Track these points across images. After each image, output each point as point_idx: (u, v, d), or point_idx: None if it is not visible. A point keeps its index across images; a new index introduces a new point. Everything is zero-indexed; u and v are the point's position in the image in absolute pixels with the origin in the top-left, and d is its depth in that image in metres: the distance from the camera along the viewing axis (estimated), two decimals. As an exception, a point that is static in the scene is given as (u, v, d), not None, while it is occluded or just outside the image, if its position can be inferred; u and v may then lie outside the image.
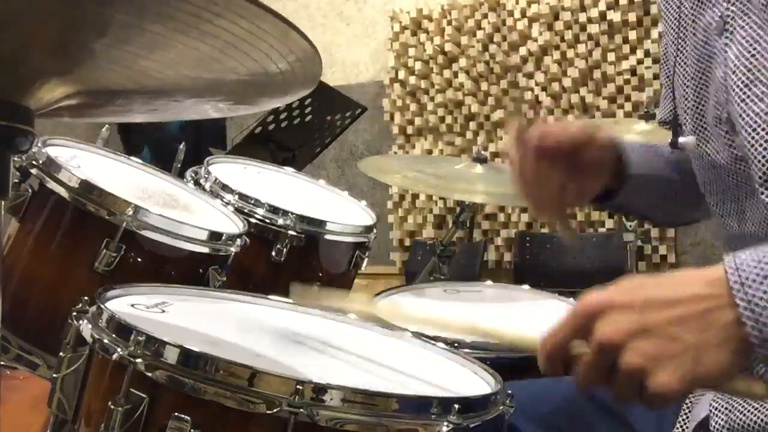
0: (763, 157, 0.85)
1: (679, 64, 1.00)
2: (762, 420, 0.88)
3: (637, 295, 0.72)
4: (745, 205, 0.93)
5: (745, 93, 0.86)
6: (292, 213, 1.55)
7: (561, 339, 0.75)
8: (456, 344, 1.25)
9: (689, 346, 0.69)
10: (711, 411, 0.92)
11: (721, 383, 0.73)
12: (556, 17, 3.95)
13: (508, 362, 1.31)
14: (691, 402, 0.97)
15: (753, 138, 0.85)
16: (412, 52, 4.35)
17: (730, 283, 0.70)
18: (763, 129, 0.84)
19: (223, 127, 3.85)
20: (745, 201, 0.93)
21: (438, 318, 1.05)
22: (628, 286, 0.74)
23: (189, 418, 0.78)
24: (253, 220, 1.53)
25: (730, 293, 0.69)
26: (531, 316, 1.67)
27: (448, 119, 4.27)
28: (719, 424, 0.90)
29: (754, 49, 0.85)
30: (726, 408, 0.90)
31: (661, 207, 1.21)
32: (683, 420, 0.97)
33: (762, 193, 0.86)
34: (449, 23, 4.25)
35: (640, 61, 3.76)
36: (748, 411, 0.89)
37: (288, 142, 3.04)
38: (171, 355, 0.81)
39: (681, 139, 1.02)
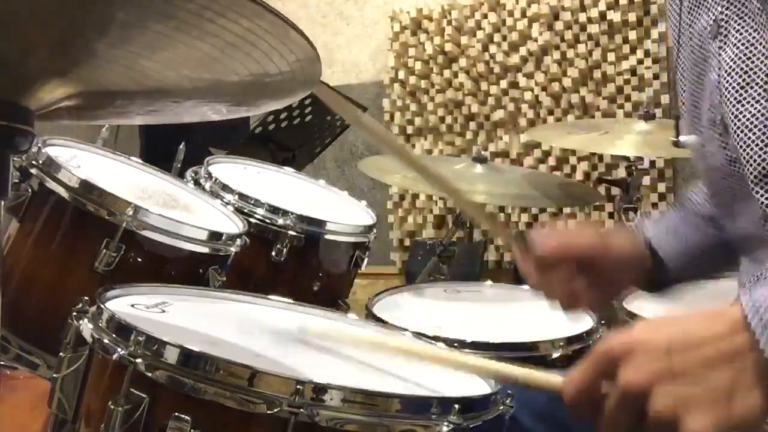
0: (759, 156, 0.85)
1: (679, 67, 1.01)
2: None
3: (661, 336, 0.70)
4: (740, 206, 0.94)
5: (740, 95, 0.86)
6: (292, 213, 1.55)
7: (584, 385, 0.73)
8: (456, 344, 1.25)
9: (720, 388, 0.67)
10: None
11: (753, 426, 0.70)
12: (556, 17, 3.94)
13: (508, 358, 1.31)
14: None
15: (748, 138, 0.86)
16: (412, 52, 4.34)
17: (752, 326, 0.67)
18: (760, 129, 0.85)
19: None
20: (741, 202, 0.94)
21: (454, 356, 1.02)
22: (650, 327, 0.72)
23: (189, 418, 0.78)
24: (253, 220, 1.53)
25: (753, 336, 0.67)
26: (531, 316, 1.67)
27: (448, 119, 4.26)
28: None
29: (750, 52, 0.86)
30: None
31: (717, 265, 1.15)
32: None
33: (757, 192, 0.87)
34: (449, 23, 4.25)
35: (640, 61, 3.76)
36: None
37: (288, 142, 3.03)
38: (171, 355, 0.81)
39: (682, 138, 1.02)
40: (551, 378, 0.80)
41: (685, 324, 0.71)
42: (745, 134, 0.86)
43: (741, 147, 0.87)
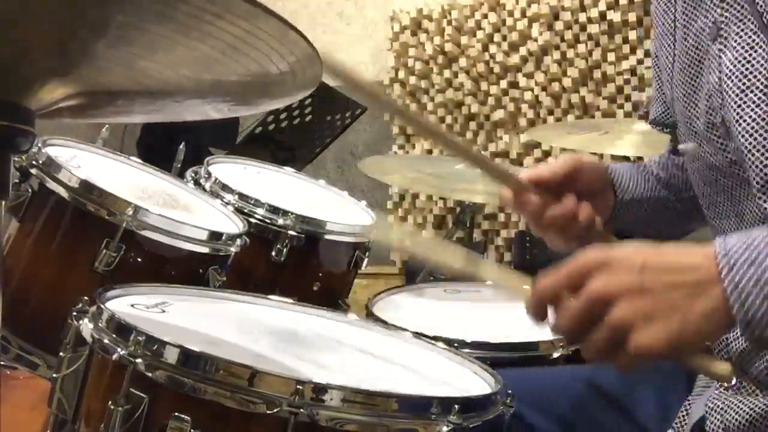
0: (761, 162, 0.85)
1: (669, 67, 1.00)
2: (756, 420, 0.88)
3: (638, 256, 0.74)
4: (740, 206, 0.94)
5: (741, 98, 0.86)
6: (292, 213, 1.55)
7: (553, 285, 0.77)
8: (456, 344, 1.25)
9: (678, 310, 0.71)
10: (707, 411, 0.92)
11: (695, 352, 0.76)
12: (556, 17, 3.94)
13: (508, 361, 1.32)
14: (689, 402, 0.98)
15: (750, 143, 0.86)
16: (412, 52, 4.34)
17: (720, 266, 0.72)
18: (761, 134, 0.85)
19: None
20: (740, 203, 0.94)
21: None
22: (628, 249, 0.76)
23: (189, 418, 0.78)
24: (253, 220, 1.53)
25: (719, 274, 0.72)
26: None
27: (448, 119, 4.26)
28: (715, 425, 0.91)
29: (750, 55, 0.86)
30: (721, 408, 0.91)
31: (657, 225, 1.23)
32: (680, 420, 0.97)
33: (761, 199, 0.87)
34: (449, 23, 4.25)
35: (640, 61, 3.76)
36: (743, 411, 0.89)
37: (288, 142, 3.03)
38: (171, 355, 0.81)
39: (681, 146, 1.03)
40: (522, 281, 0.86)
41: (662, 251, 0.75)
42: (746, 139, 0.86)
43: (744, 151, 0.87)
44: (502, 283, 0.91)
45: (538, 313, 0.79)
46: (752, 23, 0.86)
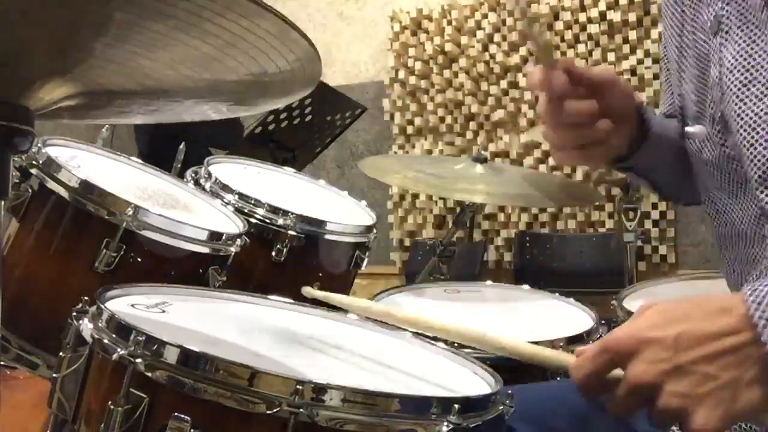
0: (762, 156, 0.85)
1: (683, 62, 1.00)
2: (752, 426, 0.88)
3: (669, 331, 0.71)
4: (734, 203, 0.93)
5: (743, 92, 0.86)
6: (292, 213, 1.55)
7: (593, 372, 0.75)
8: (456, 344, 1.25)
9: (725, 384, 0.69)
10: None
11: (756, 418, 0.74)
12: (556, 17, 3.95)
13: (508, 363, 1.31)
14: None
15: (752, 137, 0.85)
16: (412, 52, 4.35)
17: (755, 319, 0.69)
18: (763, 128, 0.84)
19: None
20: (734, 199, 0.93)
21: (453, 327, 1.01)
22: (658, 319, 0.73)
23: (189, 418, 0.78)
24: (253, 220, 1.53)
25: (755, 330, 0.69)
26: (531, 316, 1.67)
27: (448, 119, 4.26)
28: None
29: (752, 48, 0.85)
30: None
31: (673, 174, 1.14)
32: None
33: (761, 191, 0.86)
34: (449, 23, 4.25)
35: (640, 61, 3.76)
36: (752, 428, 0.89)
37: (288, 142, 3.03)
38: (171, 355, 0.81)
39: (688, 129, 1.00)
40: (562, 357, 0.83)
41: (691, 320, 0.72)
42: (749, 133, 0.86)
43: (744, 146, 0.86)
44: (540, 360, 0.87)
45: (589, 398, 0.78)
46: (753, 17, 0.86)
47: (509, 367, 1.17)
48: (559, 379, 1.27)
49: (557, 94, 0.98)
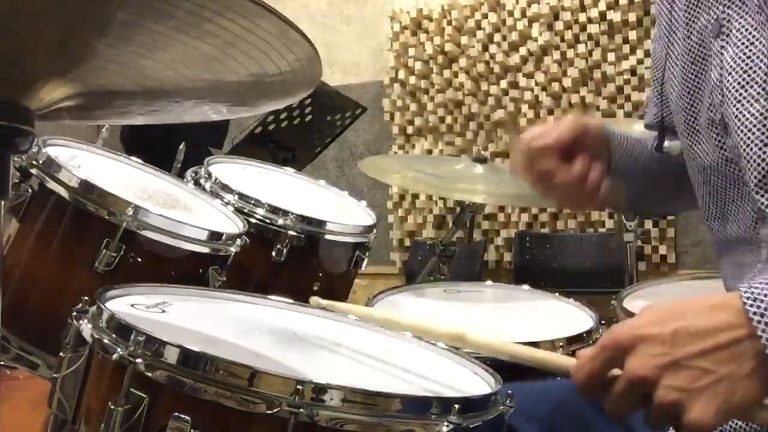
0: (759, 157, 0.85)
1: (669, 67, 1.00)
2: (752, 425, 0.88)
3: (665, 328, 0.72)
4: (730, 207, 0.94)
5: (740, 94, 0.87)
6: (292, 213, 1.55)
7: (593, 372, 0.76)
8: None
9: (721, 378, 0.70)
10: None
11: (752, 413, 0.73)
12: (556, 17, 3.95)
13: (507, 362, 1.31)
14: None
15: (749, 138, 0.86)
16: (412, 52, 4.35)
17: (750, 314, 0.70)
18: (759, 130, 0.85)
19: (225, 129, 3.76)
20: (731, 204, 0.94)
21: (464, 334, 1.02)
22: (654, 317, 0.74)
23: (189, 418, 0.78)
24: (253, 220, 1.53)
25: (751, 325, 0.70)
26: (531, 316, 1.67)
27: (448, 119, 4.26)
28: None
29: (750, 50, 0.86)
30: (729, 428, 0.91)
31: (645, 196, 1.22)
32: None
33: (758, 194, 0.86)
34: (449, 23, 4.25)
35: (640, 61, 3.76)
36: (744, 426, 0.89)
37: (288, 142, 3.03)
38: (171, 355, 0.81)
39: (666, 143, 1.03)
40: (562, 360, 0.84)
41: (688, 316, 0.73)
42: (745, 134, 0.86)
43: (742, 147, 0.87)
44: (541, 363, 0.88)
45: (589, 398, 0.79)
46: (753, 19, 0.86)
47: (509, 366, 1.17)
48: (559, 378, 1.27)
49: (543, 180, 1.11)
